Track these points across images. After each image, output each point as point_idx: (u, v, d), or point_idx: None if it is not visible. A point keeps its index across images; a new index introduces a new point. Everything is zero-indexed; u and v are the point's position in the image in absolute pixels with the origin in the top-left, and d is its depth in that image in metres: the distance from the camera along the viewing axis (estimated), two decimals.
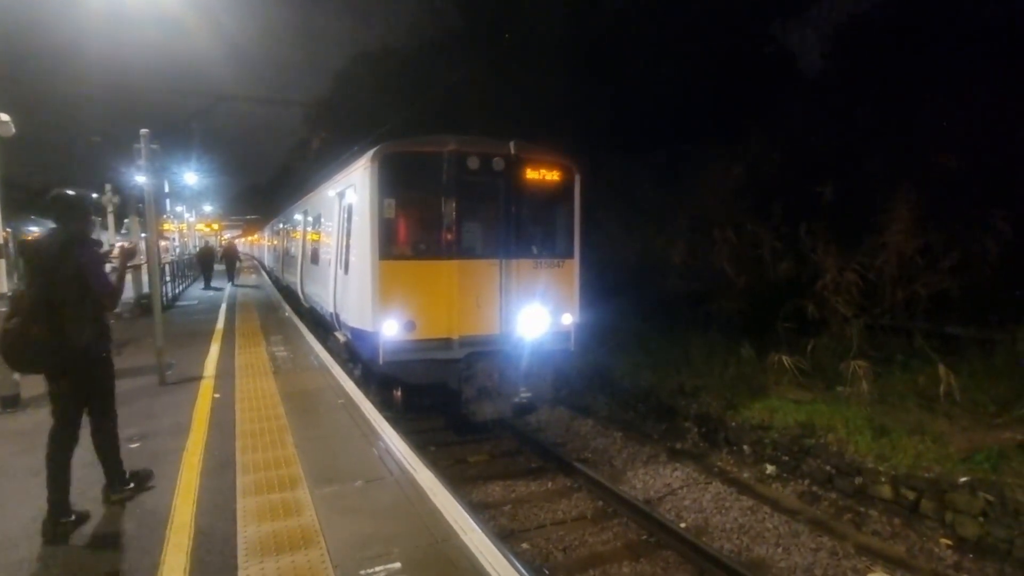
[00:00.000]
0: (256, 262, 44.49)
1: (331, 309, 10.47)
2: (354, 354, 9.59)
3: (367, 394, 7.84)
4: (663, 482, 8.22)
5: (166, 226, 35.94)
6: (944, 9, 13.88)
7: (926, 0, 14.46)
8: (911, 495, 6.78)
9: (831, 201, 10.63)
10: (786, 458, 8.17)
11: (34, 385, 7.82)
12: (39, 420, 6.44)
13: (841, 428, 7.85)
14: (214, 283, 23.45)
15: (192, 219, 45.14)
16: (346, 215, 9.68)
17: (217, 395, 7.47)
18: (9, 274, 18.93)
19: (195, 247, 35.15)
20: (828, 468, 7.64)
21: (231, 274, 25.77)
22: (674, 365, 11.14)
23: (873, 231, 9.89)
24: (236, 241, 41.22)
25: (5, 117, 6.94)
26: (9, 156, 7.36)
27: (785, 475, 8.08)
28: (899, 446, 7.22)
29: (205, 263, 25.01)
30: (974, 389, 8.04)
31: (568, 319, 9.12)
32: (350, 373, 9.06)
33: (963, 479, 6.45)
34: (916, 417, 7.80)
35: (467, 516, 4.22)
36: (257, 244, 50.66)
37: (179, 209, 41.92)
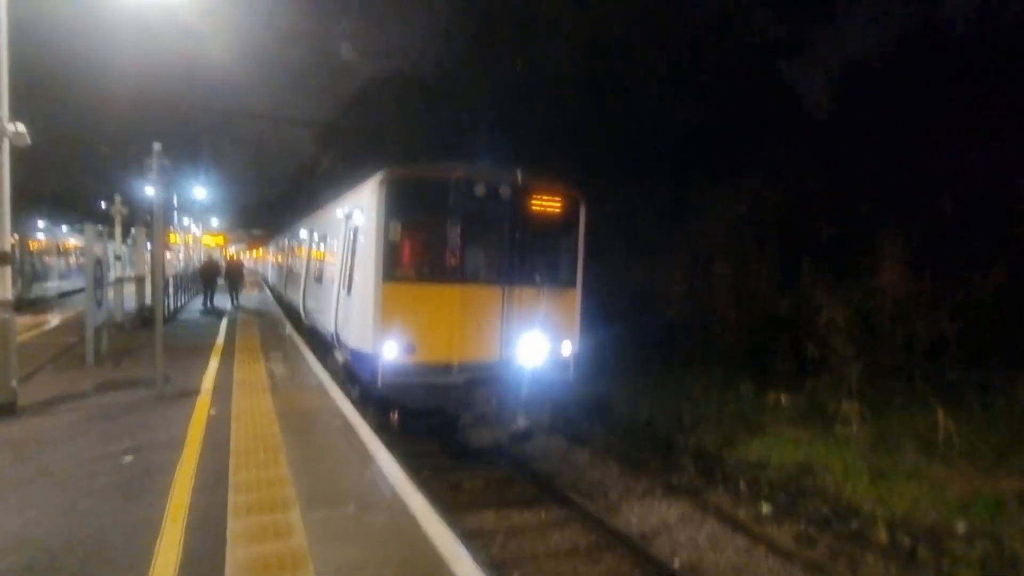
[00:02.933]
0: (259, 277, 44.60)
1: (332, 328, 10.49)
2: (353, 375, 9.58)
3: (364, 416, 7.80)
4: (658, 517, 8.13)
5: (172, 238, 36.15)
6: (944, 55, 14.15)
7: (926, 48, 14.73)
8: (908, 541, 6.71)
9: (831, 240, 10.72)
10: (783, 497, 8.09)
11: (33, 392, 7.86)
12: (35, 430, 6.47)
13: (839, 469, 7.80)
14: (216, 303, 21.30)
15: (199, 232, 45.39)
16: (351, 236, 9.76)
17: (213, 411, 7.45)
18: (14, 281, 18.93)
19: (200, 260, 34.65)
20: (825, 510, 7.57)
21: (234, 294, 22.68)
22: (672, 398, 11.09)
23: (869, 272, 9.95)
24: (241, 256, 40.67)
25: (21, 128, 7.03)
26: (20, 162, 7.44)
27: (781, 515, 7.98)
28: (897, 490, 7.16)
29: (208, 279, 22.13)
30: (972, 435, 8.00)
31: (568, 348, 9.12)
32: (348, 394, 9.04)
33: (961, 527, 6.39)
34: (914, 461, 7.75)
35: (459, 545, 4.18)
36: (262, 259, 50.84)
37: (186, 222, 42.25)
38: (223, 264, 26.47)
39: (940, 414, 8.09)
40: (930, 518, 6.65)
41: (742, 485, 8.65)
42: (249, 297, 26.74)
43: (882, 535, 6.91)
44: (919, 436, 8.31)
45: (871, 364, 9.64)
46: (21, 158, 7.44)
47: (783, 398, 9.52)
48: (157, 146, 8.32)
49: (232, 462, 5.64)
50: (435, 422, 9.01)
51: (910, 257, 9.69)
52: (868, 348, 9.71)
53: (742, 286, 12.43)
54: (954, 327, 9.24)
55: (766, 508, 8.16)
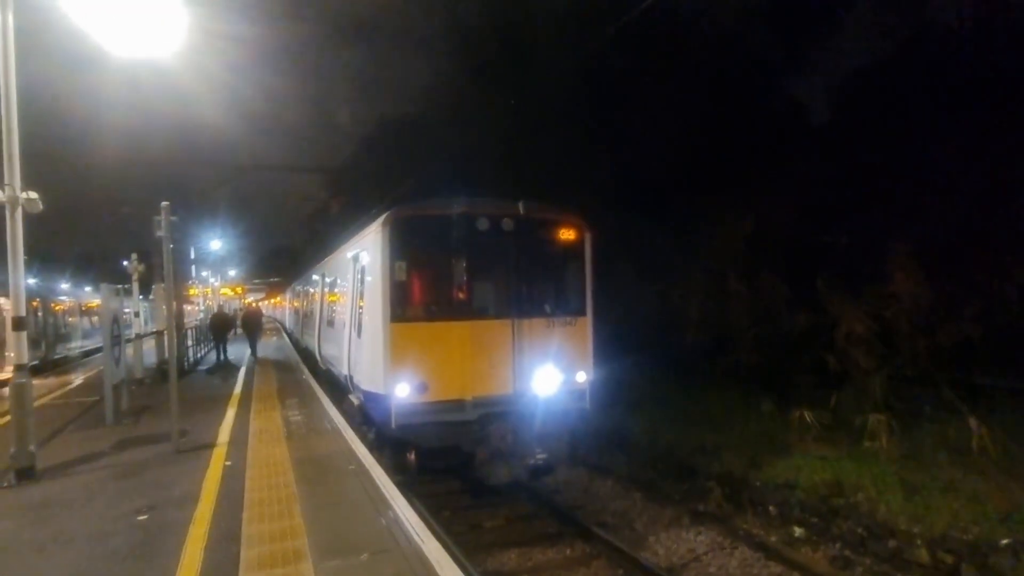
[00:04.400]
0: (278, 324, 45.18)
1: (345, 371, 10.49)
2: (367, 417, 9.53)
3: (380, 458, 7.73)
4: (686, 547, 7.88)
5: (191, 291, 36.70)
6: (946, 62, 14.08)
7: (927, 55, 14.69)
8: (950, 559, 6.41)
9: (844, 250, 10.56)
10: (815, 519, 7.81)
11: (53, 454, 7.91)
12: (53, 493, 6.49)
13: (870, 486, 7.52)
14: (231, 356, 20.30)
15: (217, 283, 46.13)
16: (359, 278, 9.83)
17: (228, 463, 7.43)
18: (36, 344, 19.17)
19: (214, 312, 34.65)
20: (859, 530, 7.28)
21: (253, 344, 21.35)
22: (694, 422, 10.86)
23: (883, 280, 9.75)
24: (260, 304, 40.88)
25: (33, 195, 7.22)
26: (46, 228, 7.64)
27: (815, 538, 7.69)
28: (933, 506, 6.88)
29: (218, 332, 20.74)
30: (1008, 442, 7.69)
31: (583, 377, 9.00)
32: (363, 436, 8.98)
33: (1005, 541, 6.10)
34: (948, 474, 7.45)
35: None
36: (279, 306, 51.57)
37: (204, 274, 42.98)
38: (237, 315, 25.79)
39: (972, 422, 7.81)
40: (971, 533, 6.36)
41: (771, 508, 8.37)
42: (267, 344, 26.68)
43: (923, 554, 6.61)
44: (951, 446, 8.01)
45: (895, 374, 9.37)
46: (48, 224, 7.62)
47: (807, 415, 9.26)
48: (165, 204, 8.50)
49: (246, 515, 5.58)
50: (453, 461, 8.90)
51: (926, 261, 9.49)
52: (890, 358, 9.46)
53: (757, 303, 12.24)
54: (978, 330, 8.96)
55: (798, 531, 7.87)
